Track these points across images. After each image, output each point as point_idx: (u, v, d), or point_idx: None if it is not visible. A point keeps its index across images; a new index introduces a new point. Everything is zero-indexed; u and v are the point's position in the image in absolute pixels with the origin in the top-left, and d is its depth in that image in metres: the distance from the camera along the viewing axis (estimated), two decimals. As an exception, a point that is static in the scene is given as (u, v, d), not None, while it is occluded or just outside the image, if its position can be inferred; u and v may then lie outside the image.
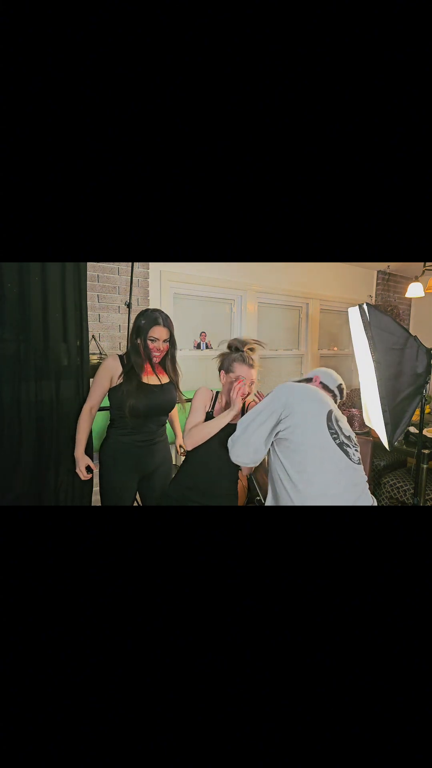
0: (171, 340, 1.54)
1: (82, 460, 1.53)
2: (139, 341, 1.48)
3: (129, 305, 1.99)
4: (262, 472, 2.01)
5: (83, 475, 1.53)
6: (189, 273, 2.52)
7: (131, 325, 1.50)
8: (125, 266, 2.08)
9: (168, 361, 1.58)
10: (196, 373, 2.80)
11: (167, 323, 1.50)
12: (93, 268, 2.01)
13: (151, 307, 2.27)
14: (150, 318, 1.47)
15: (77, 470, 1.53)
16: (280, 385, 1.21)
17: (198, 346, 2.78)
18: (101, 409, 1.61)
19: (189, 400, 1.92)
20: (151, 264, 2.25)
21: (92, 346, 2.02)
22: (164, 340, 1.50)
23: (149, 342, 1.47)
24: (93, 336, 2.06)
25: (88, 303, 1.87)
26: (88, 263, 1.95)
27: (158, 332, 1.47)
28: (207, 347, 2.82)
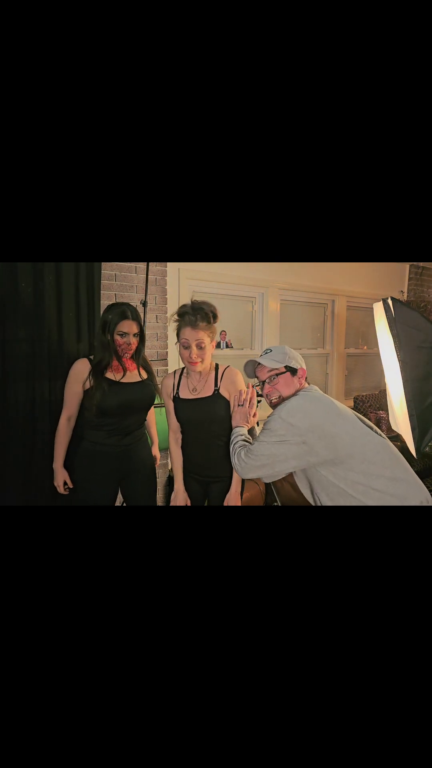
0: (141, 336, 1.49)
1: (60, 474, 1.48)
2: (108, 337, 1.44)
3: (144, 304, 1.96)
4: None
5: (60, 489, 1.49)
6: (208, 270, 2.46)
7: (100, 322, 1.50)
8: (143, 264, 2.05)
9: (139, 360, 1.53)
10: (216, 373, 2.75)
11: (136, 316, 1.46)
12: (110, 267, 1.99)
13: (170, 305, 2.25)
14: (117, 312, 1.43)
15: (54, 483, 1.49)
16: (289, 408, 1.04)
17: (218, 346, 2.73)
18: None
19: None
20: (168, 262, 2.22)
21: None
22: (134, 335, 1.45)
23: (118, 337, 1.42)
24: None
25: (106, 302, 1.85)
26: (105, 262, 1.94)
27: (127, 326, 1.43)
28: (228, 346, 2.76)
